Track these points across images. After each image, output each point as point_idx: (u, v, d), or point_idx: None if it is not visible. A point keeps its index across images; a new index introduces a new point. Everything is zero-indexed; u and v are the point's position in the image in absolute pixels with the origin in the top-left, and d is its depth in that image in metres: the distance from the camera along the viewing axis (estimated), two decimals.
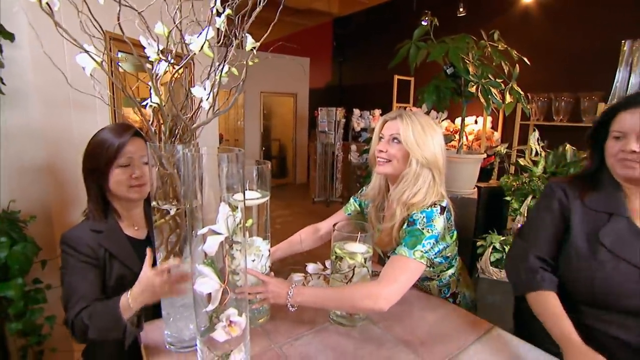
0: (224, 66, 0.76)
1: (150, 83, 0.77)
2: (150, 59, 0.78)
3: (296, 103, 5.71)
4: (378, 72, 5.57)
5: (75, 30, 0.69)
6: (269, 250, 1.03)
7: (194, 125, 0.78)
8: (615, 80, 3.07)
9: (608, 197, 0.92)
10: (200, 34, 0.70)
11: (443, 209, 1.04)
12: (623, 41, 3.00)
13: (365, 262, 1.00)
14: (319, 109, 5.18)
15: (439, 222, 1.02)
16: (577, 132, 3.29)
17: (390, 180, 1.16)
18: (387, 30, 5.26)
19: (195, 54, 0.71)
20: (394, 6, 4.90)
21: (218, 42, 0.82)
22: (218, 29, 0.78)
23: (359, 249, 1.01)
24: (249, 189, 0.96)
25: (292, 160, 6.16)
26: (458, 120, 4.19)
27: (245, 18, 0.76)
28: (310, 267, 1.19)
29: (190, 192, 0.73)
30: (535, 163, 2.55)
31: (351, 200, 1.35)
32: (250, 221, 0.94)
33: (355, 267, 0.99)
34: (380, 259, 1.30)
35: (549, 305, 0.90)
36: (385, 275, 0.95)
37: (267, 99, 5.77)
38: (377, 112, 5.23)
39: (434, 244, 1.00)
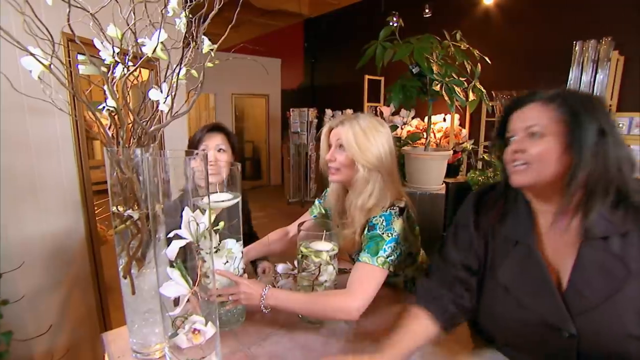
0: (180, 69, 0.76)
1: (105, 86, 0.76)
2: (105, 62, 0.77)
3: (268, 104, 5.68)
4: (349, 72, 5.63)
5: (30, 32, 0.67)
6: (242, 252, 1.03)
7: (152, 129, 0.77)
8: (569, 78, 3.25)
9: (516, 220, 0.83)
10: (153, 36, 0.69)
11: (402, 210, 1.05)
12: (574, 42, 3.18)
13: (330, 259, 1.02)
14: (291, 109, 5.18)
15: (398, 225, 1.03)
16: None
17: (347, 186, 1.16)
18: (358, 31, 5.33)
19: (148, 56, 0.71)
20: (363, 7, 4.98)
21: (185, 44, 0.81)
22: (180, 31, 0.77)
23: (325, 247, 1.02)
24: (219, 191, 0.95)
25: (266, 161, 6.13)
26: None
27: (201, 20, 0.76)
28: (280, 267, 1.20)
29: (152, 196, 0.73)
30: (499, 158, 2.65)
31: (316, 202, 1.35)
32: (221, 223, 0.94)
33: (321, 265, 1.01)
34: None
35: (411, 319, 0.86)
36: (353, 286, 0.96)
37: (239, 101, 5.71)
38: (349, 112, 5.29)
39: (394, 247, 1.01)
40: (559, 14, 3.43)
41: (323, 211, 1.33)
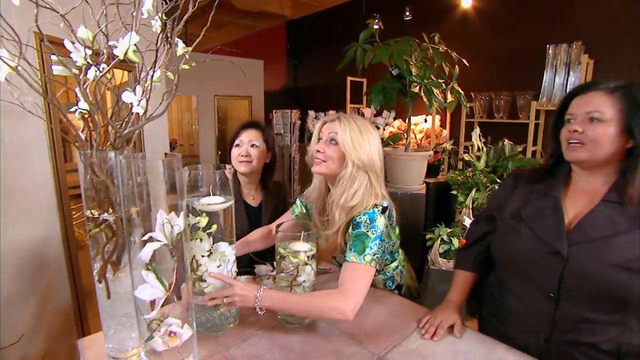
0: (155, 71, 0.76)
1: (77, 88, 0.75)
2: (77, 64, 0.76)
3: (251, 106, 5.65)
4: (332, 74, 5.64)
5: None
6: (235, 255, 1.03)
7: (126, 131, 0.77)
8: (544, 81, 3.35)
9: (552, 181, 0.99)
10: (122, 38, 0.69)
11: (384, 209, 1.07)
12: (548, 45, 3.29)
13: (309, 259, 1.03)
14: (274, 111, 5.17)
15: (381, 222, 1.05)
16: (515, 127, 3.55)
17: (330, 182, 1.18)
18: (340, 33, 5.36)
19: (119, 58, 0.70)
20: (345, 9, 5.01)
21: (160, 46, 0.80)
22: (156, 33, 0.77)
23: (302, 248, 1.03)
24: (212, 194, 0.95)
25: None
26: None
27: (175, 23, 0.76)
28: (259, 269, 1.20)
29: (127, 199, 0.72)
30: (478, 158, 2.72)
31: (297, 201, 1.36)
32: (214, 226, 0.94)
33: (299, 265, 1.01)
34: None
35: (454, 278, 1.17)
36: (345, 286, 0.97)
37: (222, 102, 5.66)
38: (332, 113, 5.31)
39: (379, 244, 1.03)
40: (534, 19, 3.54)
41: (304, 210, 1.34)
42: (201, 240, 0.91)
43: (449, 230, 2.43)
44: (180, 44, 0.78)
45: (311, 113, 5.03)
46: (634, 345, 0.83)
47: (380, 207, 1.07)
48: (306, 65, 6.06)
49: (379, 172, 1.11)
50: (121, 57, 0.69)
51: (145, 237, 0.70)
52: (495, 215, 1.10)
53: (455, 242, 2.28)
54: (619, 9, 3.06)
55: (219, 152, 5.37)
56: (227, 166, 0.96)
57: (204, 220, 0.89)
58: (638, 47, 2.99)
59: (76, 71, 0.75)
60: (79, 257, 1.76)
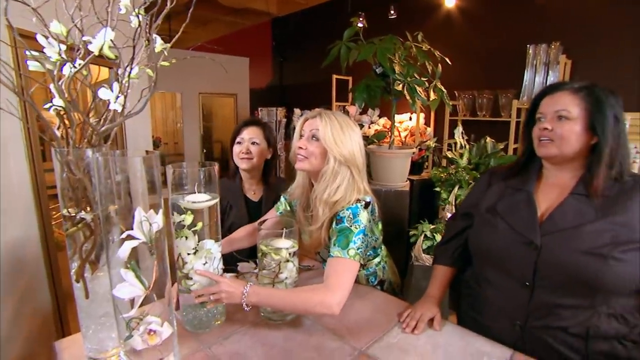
0: (132, 68, 0.75)
1: (51, 85, 0.73)
2: (51, 59, 0.74)
3: (237, 103, 5.61)
4: (318, 71, 5.64)
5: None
6: (222, 251, 1.03)
7: (102, 129, 0.76)
8: (524, 80, 3.43)
9: (525, 177, 1.04)
10: (98, 33, 0.68)
11: (367, 204, 1.09)
12: (528, 45, 3.36)
13: (290, 256, 1.03)
14: (259, 109, 5.14)
15: (364, 217, 1.06)
16: (497, 125, 3.62)
17: (313, 178, 1.19)
18: (326, 31, 5.36)
19: (94, 55, 0.69)
20: (331, 7, 5.01)
21: (138, 42, 0.79)
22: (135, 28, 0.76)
23: (284, 245, 1.04)
24: (197, 192, 0.94)
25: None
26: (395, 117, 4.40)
27: (154, 19, 0.75)
28: (242, 266, 1.20)
29: (105, 198, 0.71)
30: (461, 155, 2.76)
31: (281, 199, 1.36)
32: (199, 224, 0.93)
33: (280, 262, 1.02)
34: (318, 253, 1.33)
35: (433, 273, 1.20)
36: (330, 280, 0.98)
37: (207, 100, 5.60)
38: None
39: (363, 238, 1.04)
40: (514, 19, 3.61)
41: (288, 207, 1.34)
42: (187, 238, 0.91)
43: (432, 226, 2.47)
44: (159, 40, 0.77)
45: (297, 111, 5.02)
46: (601, 328, 0.87)
47: (363, 202, 1.08)
48: (292, 63, 6.04)
49: (361, 167, 1.13)
50: (96, 53, 0.68)
51: (124, 235, 0.70)
52: (472, 211, 1.13)
53: (439, 238, 2.32)
54: (595, 11, 3.16)
55: (204, 150, 5.32)
56: (214, 164, 0.95)
57: (189, 218, 0.89)
58: (613, 47, 3.08)
59: (50, 67, 0.74)
60: (59, 258, 1.72)
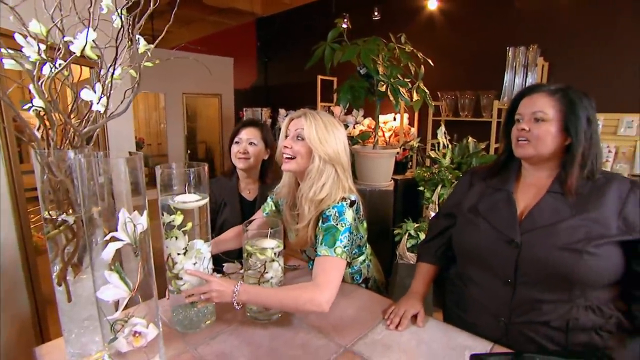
0: (115, 68, 0.74)
1: (31, 85, 0.72)
2: (30, 59, 0.73)
3: (221, 104, 5.56)
4: (302, 72, 5.64)
5: None
6: (210, 252, 1.03)
7: (84, 130, 0.75)
8: (505, 81, 3.52)
9: (505, 176, 1.07)
10: (80, 33, 0.67)
11: (352, 203, 1.10)
12: (507, 48, 3.46)
13: (276, 256, 1.04)
14: (244, 109, 5.12)
15: (350, 215, 1.08)
16: (479, 126, 3.70)
17: (299, 177, 1.19)
18: (310, 31, 5.37)
19: (76, 55, 0.68)
20: (316, 7, 5.03)
21: (121, 43, 0.79)
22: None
23: (269, 245, 1.04)
24: (187, 192, 0.94)
25: (219, 162, 5.95)
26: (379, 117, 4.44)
27: (136, 19, 0.75)
28: (227, 267, 1.20)
29: (88, 199, 0.70)
30: (444, 155, 2.82)
31: (268, 199, 1.36)
32: (189, 224, 0.93)
33: (266, 262, 1.02)
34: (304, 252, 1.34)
35: (417, 270, 1.24)
36: (319, 278, 0.99)
37: (191, 101, 5.53)
38: None
39: (349, 236, 1.06)
40: (495, 22, 3.70)
41: (274, 208, 1.34)
42: (177, 238, 0.90)
43: (416, 225, 2.51)
44: (142, 41, 0.77)
45: (282, 111, 5.02)
46: (579, 320, 0.91)
47: (349, 201, 1.10)
48: (277, 63, 6.03)
49: (346, 166, 1.14)
50: (78, 54, 0.68)
51: (107, 237, 0.69)
52: (454, 211, 1.16)
53: (423, 237, 2.36)
54: (569, 16, 3.26)
55: (188, 151, 5.25)
56: (204, 164, 0.95)
57: (179, 218, 0.89)
58: (587, 50, 3.19)
59: (29, 67, 0.73)
60: (38, 262, 1.68)
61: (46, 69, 0.75)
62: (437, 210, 2.56)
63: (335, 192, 1.10)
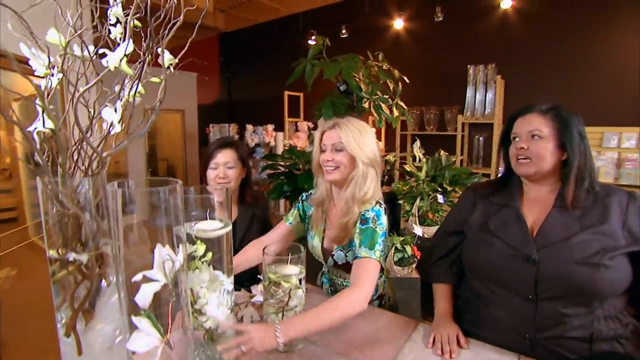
0: (138, 84, 0.66)
1: (38, 103, 0.62)
2: (36, 74, 0.63)
3: (184, 120, 5.33)
4: (268, 87, 5.62)
5: None
6: (233, 284, 0.93)
7: (105, 153, 0.66)
8: (467, 97, 3.74)
9: (508, 193, 1.10)
10: (118, 47, 0.59)
11: (385, 210, 1.15)
12: (468, 66, 3.68)
13: (300, 283, 0.98)
14: (211, 125, 4.95)
15: (385, 220, 1.13)
16: (444, 139, 3.88)
17: (337, 185, 1.22)
18: (276, 47, 5.37)
19: (110, 70, 0.60)
20: (280, 24, 5.05)
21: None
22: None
23: (292, 271, 0.98)
24: (210, 219, 0.85)
25: (183, 180, 5.60)
26: None
27: (162, 30, 0.68)
28: (236, 296, 1.11)
29: (115, 233, 0.61)
30: (419, 168, 2.89)
31: (294, 208, 1.36)
32: (209, 254, 0.83)
33: (290, 289, 0.96)
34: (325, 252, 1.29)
35: (437, 291, 1.20)
36: (361, 279, 1.02)
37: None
38: (270, 127, 5.25)
39: (384, 241, 1.10)
40: (456, 42, 3.93)
41: (299, 217, 1.34)
42: (199, 270, 0.80)
43: (402, 238, 2.54)
44: (167, 54, 0.70)
45: (249, 127, 4.92)
46: (602, 331, 0.94)
47: (384, 207, 1.15)
48: (241, 79, 5.94)
49: (380, 165, 1.20)
50: (112, 69, 0.59)
51: (138, 277, 0.60)
52: (463, 229, 1.17)
53: (409, 250, 2.38)
54: (523, 37, 3.56)
55: (150, 170, 4.94)
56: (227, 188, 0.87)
57: (201, 248, 0.79)
58: (538, 69, 3.49)
59: (37, 83, 0.62)
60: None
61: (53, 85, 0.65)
62: (417, 222, 2.61)
63: (377, 192, 1.17)
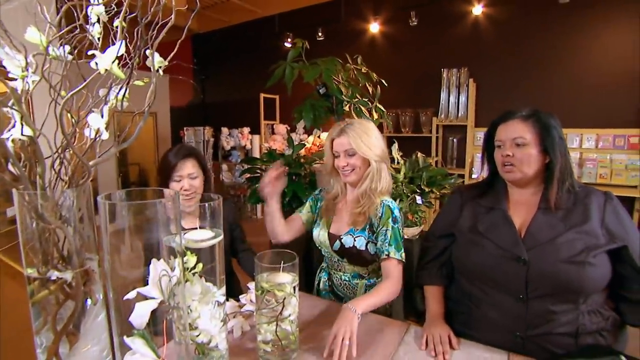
0: (127, 88, 0.62)
1: (14, 109, 0.57)
2: (11, 75, 0.58)
3: (156, 123, 5.15)
4: (243, 89, 5.54)
5: None
6: (224, 296, 0.89)
7: (92, 163, 0.61)
8: (441, 99, 3.83)
9: (494, 196, 1.14)
10: (108, 48, 0.55)
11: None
12: (442, 69, 3.78)
13: (294, 291, 0.96)
14: (185, 128, 4.81)
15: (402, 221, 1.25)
16: (419, 141, 3.95)
17: (353, 185, 1.31)
18: (251, 49, 5.30)
19: (100, 72, 0.56)
20: (255, 26, 4.98)
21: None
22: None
23: (286, 279, 0.95)
24: (200, 228, 0.82)
25: (155, 185, 5.41)
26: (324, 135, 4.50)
27: (151, 32, 0.64)
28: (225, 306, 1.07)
29: (106, 247, 0.56)
30: (398, 170, 2.94)
31: (307, 204, 1.46)
32: (199, 266, 0.79)
33: (285, 298, 0.93)
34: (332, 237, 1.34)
35: (428, 293, 1.23)
36: (392, 275, 1.17)
37: (121, 119, 5.02)
38: (246, 130, 5.17)
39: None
40: (431, 46, 4.03)
41: (310, 208, 1.44)
42: (191, 283, 0.76)
43: None
44: (157, 56, 0.66)
45: (224, 130, 4.83)
46: (587, 326, 0.98)
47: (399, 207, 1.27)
48: (215, 81, 5.81)
49: (388, 158, 1.31)
50: (102, 72, 0.55)
51: (131, 295, 0.56)
52: (452, 231, 1.19)
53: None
54: (493, 42, 3.70)
55: (121, 175, 4.73)
56: (218, 196, 0.83)
57: (192, 259, 0.75)
58: (507, 72, 3.63)
59: (13, 85, 0.57)
60: None
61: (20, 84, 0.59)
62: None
63: (390, 184, 1.29)
